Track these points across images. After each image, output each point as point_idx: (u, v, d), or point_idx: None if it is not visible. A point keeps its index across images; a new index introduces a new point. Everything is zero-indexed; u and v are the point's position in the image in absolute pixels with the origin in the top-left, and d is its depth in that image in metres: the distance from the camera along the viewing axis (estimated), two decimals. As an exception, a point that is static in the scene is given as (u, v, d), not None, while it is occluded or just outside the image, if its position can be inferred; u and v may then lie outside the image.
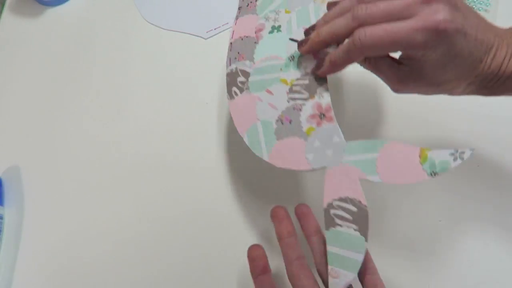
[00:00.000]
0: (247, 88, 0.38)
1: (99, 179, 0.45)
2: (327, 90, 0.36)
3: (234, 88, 0.39)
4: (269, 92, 0.38)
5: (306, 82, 0.37)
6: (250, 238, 0.42)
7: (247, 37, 0.40)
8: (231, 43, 0.41)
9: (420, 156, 0.31)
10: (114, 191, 0.44)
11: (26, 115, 0.48)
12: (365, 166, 0.32)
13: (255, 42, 0.40)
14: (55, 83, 0.50)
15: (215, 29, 0.53)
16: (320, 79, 0.37)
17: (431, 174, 0.30)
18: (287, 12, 0.40)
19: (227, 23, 0.53)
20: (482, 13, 0.52)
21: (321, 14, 0.37)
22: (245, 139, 0.37)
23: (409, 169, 0.31)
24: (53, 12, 0.55)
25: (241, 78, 0.39)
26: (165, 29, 0.53)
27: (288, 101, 0.37)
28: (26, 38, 0.53)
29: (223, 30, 0.53)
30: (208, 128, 0.47)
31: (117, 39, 0.53)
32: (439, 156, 0.30)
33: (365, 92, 0.46)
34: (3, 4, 0.56)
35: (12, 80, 0.51)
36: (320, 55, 0.36)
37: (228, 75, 0.39)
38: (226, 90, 0.39)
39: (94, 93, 0.49)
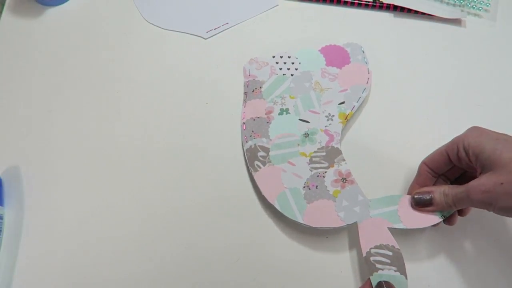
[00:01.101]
0: (269, 161, 0.43)
1: (99, 179, 0.45)
2: (343, 159, 0.42)
3: (257, 162, 0.43)
4: (291, 163, 0.42)
5: (324, 153, 0.43)
6: (250, 236, 0.42)
7: (258, 118, 0.45)
8: (243, 123, 0.45)
9: None
10: (114, 191, 0.44)
11: (26, 115, 0.48)
12: (390, 217, 0.38)
13: (268, 122, 0.45)
14: (55, 82, 0.50)
15: (215, 29, 0.53)
16: (336, 151, 0.42)
17: (442, 217, 0.37)
18: (291, 97, 0.46)
19: (227, 23, 0.53)
20: (482, 13, 0.53)
21: (322, 100, 0.45)
22: (276, 206, 0.40)
23: (425, 215, 0.38)
24: (53, 12, 0.55)
25: (261, 153, 0.43)
26: (165, 29, 0.53)
27: (311, 170, 0.42)
28: (26, 38, 0.53)
29: (223, 30, 0.53)
30: (208, 128, 0.47)
31: (117, 39, 0.53)
32: None
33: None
34: (3, 4, 0.56)
35: (12, 80, 0.51)
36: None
37: (247, 150, 0.43)
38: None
39: (94, 93, 0.49)
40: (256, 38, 0.52)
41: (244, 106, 0.46)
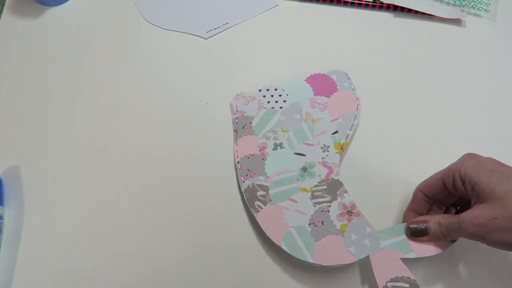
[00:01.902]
0: (270, 200, 0.41)
1: (99, 179, 0.45)
2: (346, 190, 0.41)
3: (257, 202, 0.41)
4: (293, 200, 0.41)
5: (325, 187, 0.42)
6: (250, 241, 0.42)
7: (252, 155, 0.44)
8: (238, 162, 0.44)
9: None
10: (114, 191, 0.44)
11: (26, 115, 0.48)
12: (401, 247, 0.38)
13: (263, 159, 0.44)
14: (55, 83, 0.50)
15: (215, 29, 0.53)
16: (336, 183, 0.42)
17: (451, 242, 0.37)
18: (283, 131, 0.45)
19: (227, 23, 0.53)
20: (482, 13, 0.53)
21: (315, 131, 0.44)
22: (283, 247, 0.39)
23: (435, 242, 0.37)
24: (53, 12, 0.55)
25: (261, 192, 0.42)
26: (165, 29, 0.53)
27: (314, 206, 0.41)
28: (26, 38, 0.53)
29: (223, 30, 0.53)
30: (208, 128, 0.47)
31: (117, 39, 0.53)
32: None
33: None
34: (3, 4, 0.56)
35: (12, 80, 0.51)
36: None
37: (245, 191, 0.42)
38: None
39: (94, 93, 0.49)
40: (256, 38, 0.52)
41: (236, 144, 0.45)
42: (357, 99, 0.47)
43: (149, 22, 0.54)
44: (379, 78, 0.49)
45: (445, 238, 0.36)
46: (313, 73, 0.48)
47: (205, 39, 0.53)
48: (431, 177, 0.38)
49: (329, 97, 0.47)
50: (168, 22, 0.54)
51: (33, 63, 0.51)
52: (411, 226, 0.38)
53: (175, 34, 0.53)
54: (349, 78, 0.48)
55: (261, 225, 0.40)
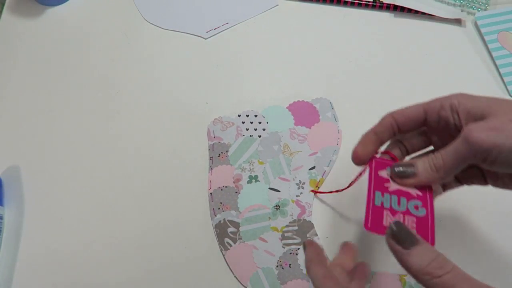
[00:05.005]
0: (240, 238, 0.41)
1: (99, 179, 0.45)
2: (316, 233, 0.41)
3: (227, 239, 0.41)
4: (263, 240, 0.41)
5: (296, 228, 0.41)
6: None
7: (226, 187, 0.43)
8: (211, 194, 0.43)
9: (400, 281, 0.39)
10: (114, 190, 0.44)
11: (26, 115, 0.48)
12: None
13: (236, 192, 0.43)
14: (55, 83, 0.50)
15: (215, 29, 0.53)
16: (307, 225, 0.41)
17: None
18: (260, 163, 0.44)
19: (227, 23, 0.53)
20: (481, 13, 0.53)
21: (292, 166, 0.43)
22: None
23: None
24: (53, 12, 0.55)
25: (231, 229, 0.41)
26: (165, 29, 0.53)
27: (283, 247, 0.40)
28: (26, 38, 0.53)
29: (223, 30, 0.53)
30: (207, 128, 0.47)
31: (117, 39, 0.53)
32: (413, 279, 0.36)
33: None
34: (3, 4, 0.56)
35: (12, 80, 0.51)
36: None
37: (216, 226, 0.41)
38: (217, 236, 0.41)
39: (94, 93, 0.49)
40: (256, 38, 0.52)
41: (210, 174, 0.44)
42: (339, 132, 0.45)
43: (149, 22, 0.54)
44: (379, 78, 0.49)
45: (435, 179, 0.30)
46: (296, 100, 0.47)
47: (205, 39, 0.53)
48: (409, 106, 0.33)
49: (310, 128, 0.45)
50: (168, 22, 0.54)
51: (33, 63, 0.52)
52: (396, 169, 0.31)
53: (175, 34, 0.53)
54: (333, 108, 0.47)
55: (229, 264, 0.40)
